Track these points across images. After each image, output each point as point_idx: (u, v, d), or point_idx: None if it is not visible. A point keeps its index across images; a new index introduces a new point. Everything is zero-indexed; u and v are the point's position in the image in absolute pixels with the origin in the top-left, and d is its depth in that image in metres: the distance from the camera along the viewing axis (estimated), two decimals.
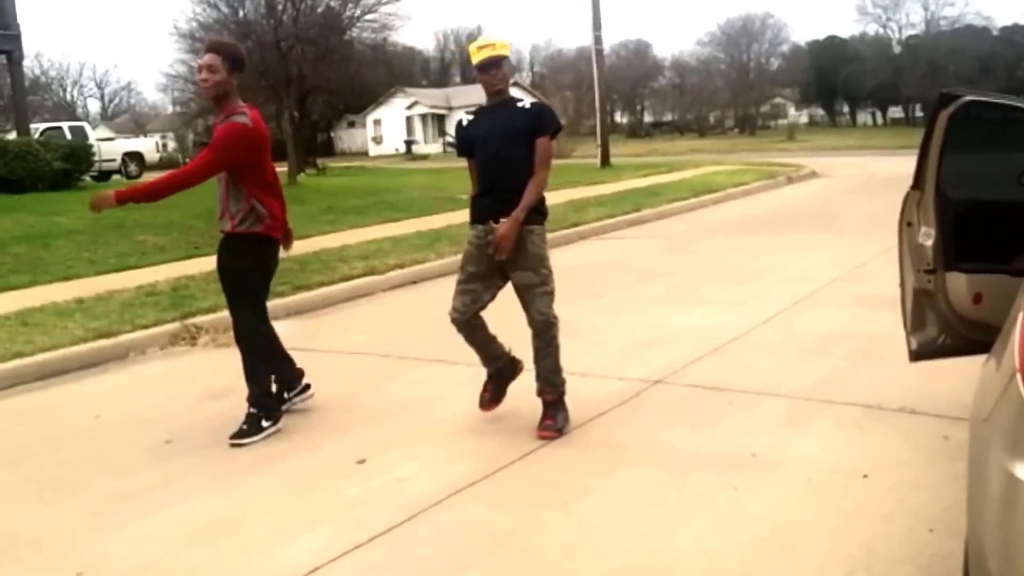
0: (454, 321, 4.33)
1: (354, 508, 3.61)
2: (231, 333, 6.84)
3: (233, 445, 4.43)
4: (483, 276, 4.29)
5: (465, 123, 4.46)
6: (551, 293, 4.28)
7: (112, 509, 3.76)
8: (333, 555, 3.20)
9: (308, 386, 5.01)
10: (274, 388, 4.80)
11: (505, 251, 4.15)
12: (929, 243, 3.79)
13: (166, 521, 3.61)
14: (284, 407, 4.81)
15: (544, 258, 4.28)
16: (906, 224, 3.90)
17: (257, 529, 3.49)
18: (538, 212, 4.30)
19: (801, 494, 3.51)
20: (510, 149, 4.24)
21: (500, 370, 4.52)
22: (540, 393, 4.36)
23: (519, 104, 4.41)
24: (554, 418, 4.30)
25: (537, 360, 4.33)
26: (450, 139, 54.48)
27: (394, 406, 4.93)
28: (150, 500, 3.84)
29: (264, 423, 4.54)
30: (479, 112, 4.44)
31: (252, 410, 4.57)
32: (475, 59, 4.27)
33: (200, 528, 3.53)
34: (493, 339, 4.47)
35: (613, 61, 57.71)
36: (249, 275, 4.63)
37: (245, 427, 4.51)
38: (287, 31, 27.68)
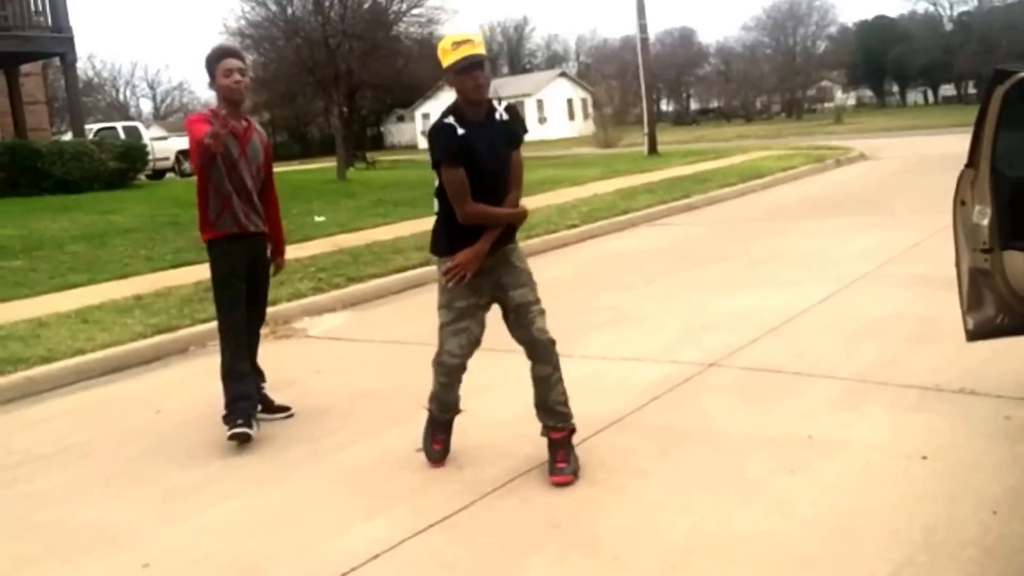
0: (450, 367, 3.77)
1: (413, 496, 3.65)
2: (291, 325, 7.03)
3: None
4: (473, 311, 3.75)
5: (459, 134, 3.63)
6: (545, 312, 3.78)
7: (176, 501, 3.85)
8: (393, 542, 3.25)
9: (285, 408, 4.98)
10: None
11: (464, 277, 3.67)
12: (984, 222, 3.72)
13: (229, 512, 3.69)
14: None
15: (530, 275, 3.81)
16: (960, 203, 3.83)
17: (317, 518, 3.55)
18: (512, 228, 3.82)
19: (859, 477, 3.48)
20: (504, 173, 3.73)
21: (451, 421, 3.99)
22: (550, 429, 3.76)
23: (497, 115, 3.73)
24: (567, 459, 3.70)
25: (544, 391, 3.73)
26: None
27: None
28: (213, 492, 3.92)
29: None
30: (467, 124, 3.65)
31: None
32: (451, 58, 3.53)
33: (262, 518, 3.60)
34: (460, 384, 3.94)
35: (658, 49, 57.23)
36: None
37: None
38: (334, 28, 27.92)
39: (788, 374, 4.77)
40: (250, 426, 4.42)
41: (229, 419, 4.46)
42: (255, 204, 4.61)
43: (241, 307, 4.61)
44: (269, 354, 6.35)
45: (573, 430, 3.77)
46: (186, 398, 5.45)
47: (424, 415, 4.03)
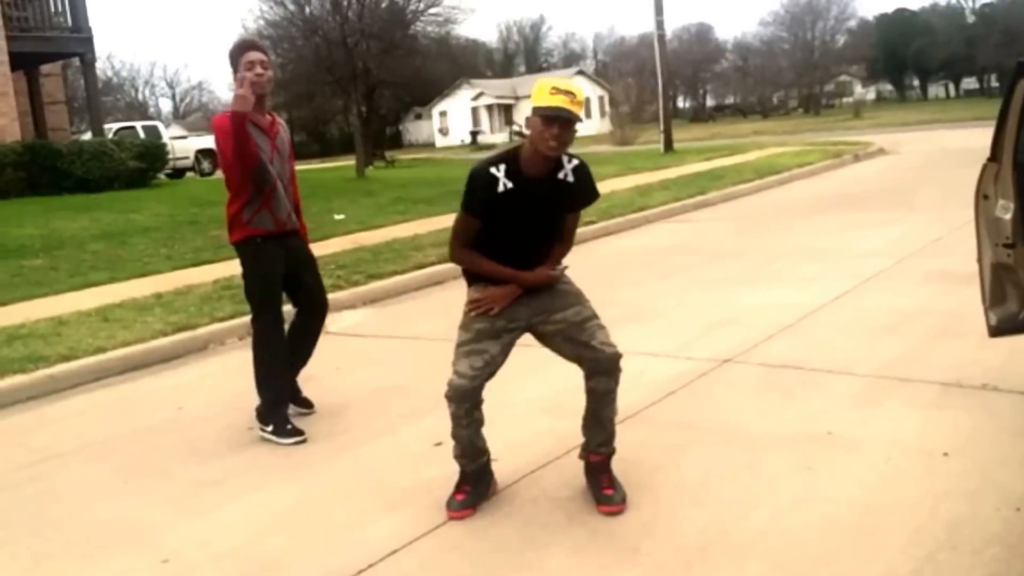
0: (460, 390, 3.35)
1: (432, 490, 3.65)
2: None
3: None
4: (497, 333, 3.45)
5: (501, 189, 3.32)
6: (605, 327, 3.50)
7: (196, 497, 3.88)
8: (412, 536, 3.26)
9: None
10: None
11: (494, 310, 3.44)
12: (1007, 216, 3.68)
13: (249, 507, 3.71)
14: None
15: (579, 293, 3.52)
16: (983, 197, 3.79)
17: (337, 513, 3.56)
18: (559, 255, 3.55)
19: (880, 473, 3.46)
20: (546, 237, 3.47)
21: (483, 468, 3.56)
22: (590, 452, 3.50)
23: (560, 175, 3.38)
24: (613, 485, 3.44)
25: (599, 406, 3.44)
26: (517, 128, 54.52)
27: None
28: (233, 487, 3.94)
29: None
30: (517, 178, 3.33)
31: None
32: (544, 101, 3.19)
33: (282, 514, 3.61)
34: (482, 426, 3.50)
35: (675, 46, 57.11)
36: None
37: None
38: (352, 27, 28.00)
39: (806, 370, 4.75)
40: (295, 432, 4.45)
41: (273, 422, 4.47)
42: (290, 199, 4.56)
43: (279, 309, 4.57)
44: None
45: (613, 453, 3.52)
46: (206, 395, 5.49)
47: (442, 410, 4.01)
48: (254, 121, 4.33)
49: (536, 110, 3.22)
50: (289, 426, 4.47)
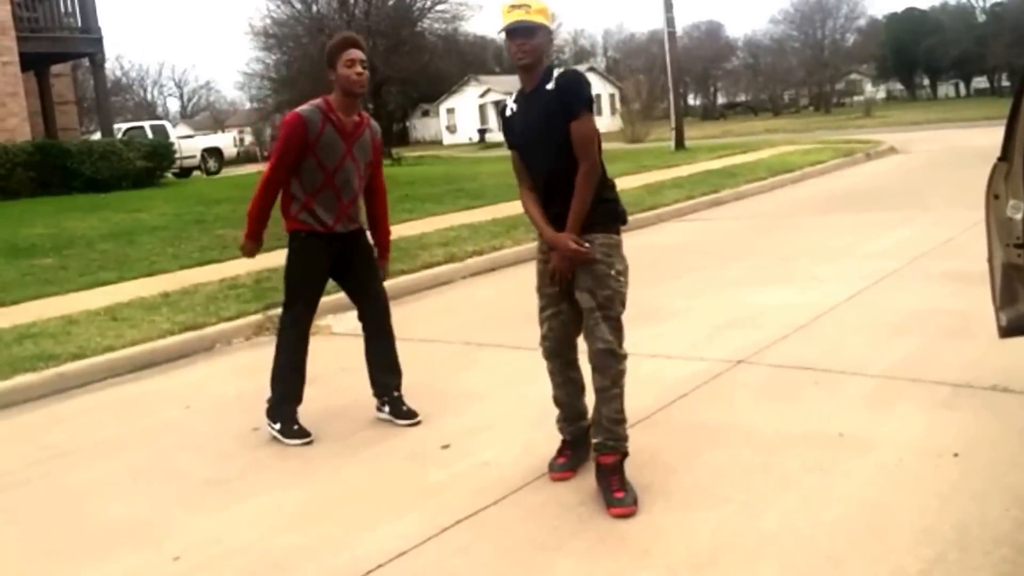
0: (546, 351, 3.62)
1: (440, 493, 3.65)
2: (316, 323, 6.99)
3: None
4: (567, 296, 3.52)
5: (508, 112, 3.63)
6: (616, 319, 3.43)
7: (205, 496, 3.88)
8: (420, 539, 3.25)
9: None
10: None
11: (564, 280, 3.45)
12: (1018, 216, 3.65)
13: (257, 507, 3.71)
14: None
15: (605, 277, 3.41)
16: (993, 197, 3.76)
17: (345, 514, 3.56)
18: (599, 215, 3.44)
19: (891, 474, 3.44)
20: (549, 150, 3.43)
21: (582, 433, 3.71)
22: (598, 451, 3.47)
23: (548, 86, 3.44)
24: (624, 488, 3.37)
25: (598, 406, 3.47)
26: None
27: (477, 392, 4.98)
28: (241, 487, 3.95)
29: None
30: (518, 98, 3.60)
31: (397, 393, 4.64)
32: (503, 20, 3.38)
33: (290, 514, 3.61)
34: (584, 392, 3.69)
35: (685, 43, 56.93)
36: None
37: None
38: (359, 24, 28.07)
39: (818, 371, 4.73)
40: (301, 433, 4.43)
41: (280, 420, 4.47)
42: (356, 203, 4.52)
43: (308, 306, 4.60)
44: None
45: (624, 455, 3.45)
46: (214, 394, 5.50)
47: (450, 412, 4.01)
48: (336, 123, 4.33)
49: (500, 31, 3.42)
50: (296, 426, 4.46)
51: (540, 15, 3.41)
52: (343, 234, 4.49)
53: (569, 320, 3.56)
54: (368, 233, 4.71)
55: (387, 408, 4.66)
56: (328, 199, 4.40)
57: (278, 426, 4.47)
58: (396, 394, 4.68)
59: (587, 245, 3.41)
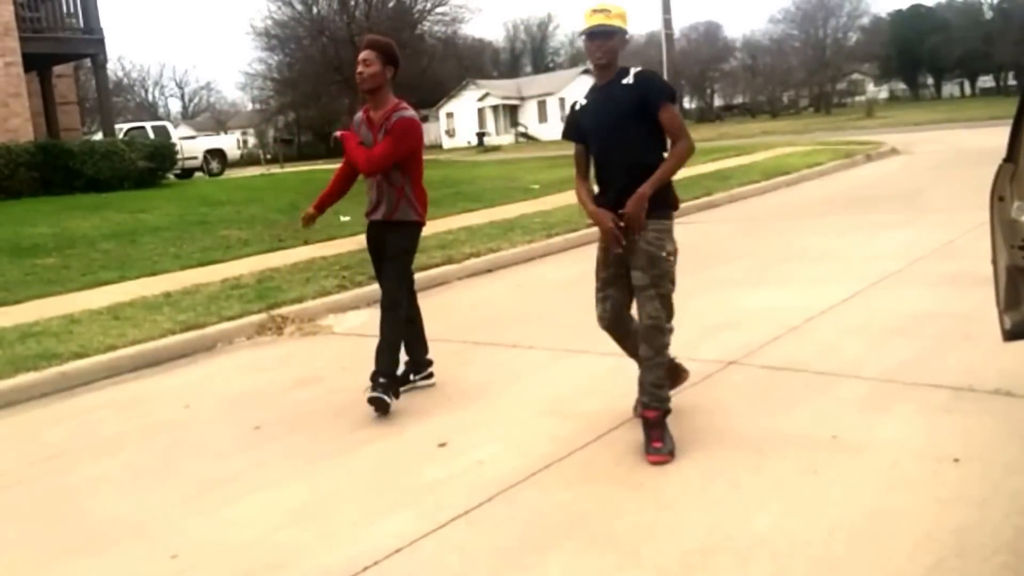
0: (603, 328, 4.11)
1: (436, 490, 3.67)
2: (316, 322, 7.08)
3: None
4: (615, 279, 3.98)
5: (578, 107, 4.10)
6: (665, 296, 3.86)
7: (205, 494, 3.91)
8: (416, 536, 3.27)
9: (432, 374, 5.18)
10: (401, 368, 4.99)
11: (637, 230, 3.78)
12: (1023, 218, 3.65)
13: (256, 505, 3.73)
14: (405, 388, 4.97)
15: (657, 258, 3.83)
16: (998, 199, 3.75)
17: (343, 512, 3.58)
18: (655, 202, 3.81)
19: (887, 478, 3.43)
20: (621, 138, 3.86)
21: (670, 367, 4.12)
22: (642, 409, 3.91)
23: (624, 81, 3.88)
24: (662, 439, 3.80)
25: (642, 371, 3.91)
26: (523, 129, 54.35)
27: (473, 391, 5.00)
28: (241, 485, 3.97)
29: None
30: (590, 93, 4.06)
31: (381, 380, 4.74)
32: (585, 23, 3.84)
33: (289, 511, 3.63)
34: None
35: (683, 44, 56.99)
36: (409, 258, 4.96)
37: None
38: (359, 26, 28.09)
39: (811, 373, 4.72)
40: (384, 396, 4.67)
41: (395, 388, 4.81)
42: (386, 194, 4.83)
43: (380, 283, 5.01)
44: (295, 351, 6.45)
45: (667, 412, 3.87)
46: (214, 394, 5.52)
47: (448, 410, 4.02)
48: (366, 118, 4.85)
49: (581, 33, 3.88)
50: (379, 394, 4.68)
51: (619, 19, 3.85)
52: (372, 223, 4.94)
53: (619, 302, 4.00)
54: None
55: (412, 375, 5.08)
56: (370, 188, 4.91)
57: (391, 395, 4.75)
58: (382, 380, 4.75)
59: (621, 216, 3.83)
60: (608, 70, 3.91)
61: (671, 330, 3.92)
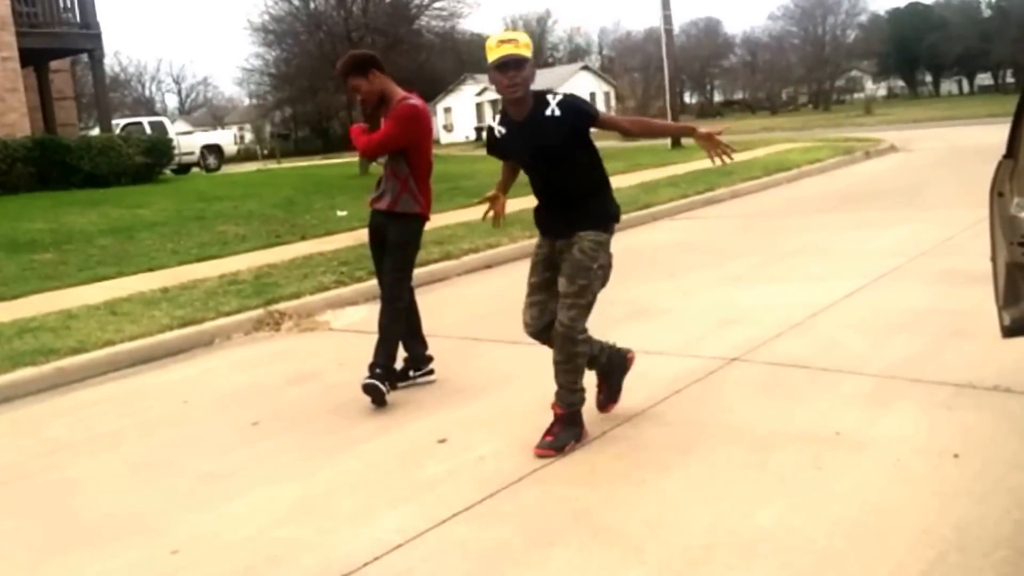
0: (530, 334, 4.08)
1: (436, 486, 3.66)
2: (314, 318, 7.07)
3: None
4: (545, 286, 3.98)
5: (497, 134, 4.02)
6: (585, 307, 3.85)
7: (204, 489, 3.89)
8: (416, 532, 3.26)
9: (432, 370, 5.16)
10: (400, 365, 5.00)
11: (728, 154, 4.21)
12: (1023, 214, 3.65)
13: (255, 500, 3.72)
14: (406, 384, 4.98)
15: (587, 269, 3.82)
16: (997, 195, 3.75)
17: (342, 507, 3.57)
18: (594, 218, 3.90)
19: (889, 474, 3.43)
20: (563, 171, 3.88)
21: (605, 367, 4.17)
22: (553, 405, 3.99)
23: (547, 112, 3.82)
24: (555, 434, 3.89)
25: (555, 372, 3.94)
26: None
27: (473, 387, 4.99)
28: (239, 480, 3.96)
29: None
30: (507, 123, 3.96)
31: (378, 370, 4.76)
32: (492, 56, 3.72)
33: (288, 507, 3.62)
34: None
35: (682, 41, 56.84)
36: (409, 251, 4.95)
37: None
38: (357, 22, 27.99)
39: (814, 369, 4.72)
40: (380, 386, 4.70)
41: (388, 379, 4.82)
42: (391, 183, 4.87)
43: (378, 274, 5.09)
44: (292, 347, 6.43)
45: (575, 412, 3.93)
46: (212, 389, 5.50)
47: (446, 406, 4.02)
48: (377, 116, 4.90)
49: (490, 65, 3.74)
50: (376, 383, 4.71)
51: (526, 49, 3.75)
52: (375, 211, 4.96)
53: (545, 308, 3.97)
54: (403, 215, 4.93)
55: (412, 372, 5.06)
56: (381, 179, 4.96)
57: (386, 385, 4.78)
58: (378, 371, 4.76)
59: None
60: (524, 102, 3.83)
61: (586, 340, 3.91)
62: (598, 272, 3.87)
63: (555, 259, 3.96)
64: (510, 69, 3.71)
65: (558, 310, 3.86)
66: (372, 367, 4.73)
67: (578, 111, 3.85)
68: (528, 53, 3.76)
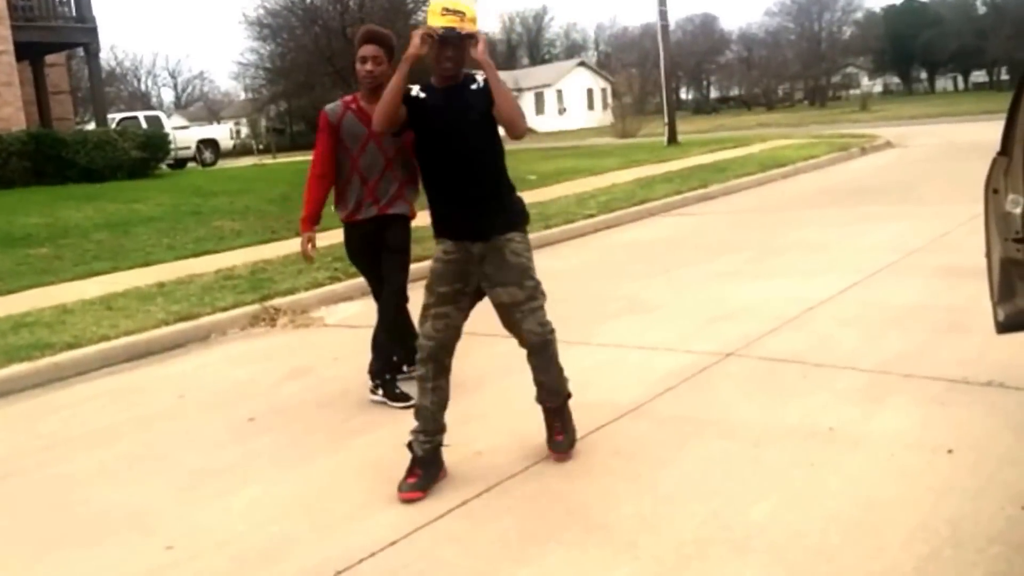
0: (424, 351, 3.62)
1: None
2: (309, 314, 7.06)
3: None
4: (456, 297, 3.62)
5: (415, 95, 3.56)
6: (542, 306, 3.63)
7: (199, 485, 3.89)
8: (412, 528, 3.27)
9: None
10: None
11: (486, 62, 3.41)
12: (1018, 211, 3.65)
13: (249, 496, 3.72)
14: (401, 377, 4.92)
15: (528, 269, 3.59)
16: (992, 191, 3.76)
17: (337, 503, 3.57)
18: (516, 215, 3.66)
19: (882, 470, 3.44)
20: (476, 142, 3.53)
21: (436, 450, 3.68)
22: (541, 400, 3.79)
23: (473, 86, 3.54)
24: (564, 431, 3.77)
25: (537, 376, 3.74)
26: None
27: (470, 381, 4.97)
28: (234, 476, 3.96)
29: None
30: (428, 89, 3.57)
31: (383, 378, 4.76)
32: (433, 21, 3.40)
33: (283, 502, 3.63)
34: (446, 404, 3.73)
35: (679, 37, 56.94)
36: (410, 253, 4.88)
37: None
38: (353, 16, 27.98)
39: (808, 365, 4.73)
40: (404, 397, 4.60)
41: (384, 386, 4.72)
42: (384, 186, 4.63)
43: (374, 285, 4.86)
44: (288, 343, 6.43)
45: (568, 396, 3.82)
46: (208, 384, 5.50)
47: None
48: (356, 109, 4.55)
49: (428, 29, 3.40)
50: (398, 390, 4.67)
51: (471, 24, 3.44)
52: (363, 221, 4.66)
53: (452, 323, 3.65)
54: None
55: (380, 391, 4.73)
56: (355, 187, 4.63)
57: (382, 392, 4.69)
58: (388, 377, 4.74)
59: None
60: (455, 79, 3.54)
61: (552, 331, 3.68)
62: (534, 271, 3.63)
63: (469, 269, 3.62)
64: (449, 45, 3.41)
65: (520, 321, 3.58)
66: (385, 371, 4.75)
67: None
68: (474, 28, 3.46)
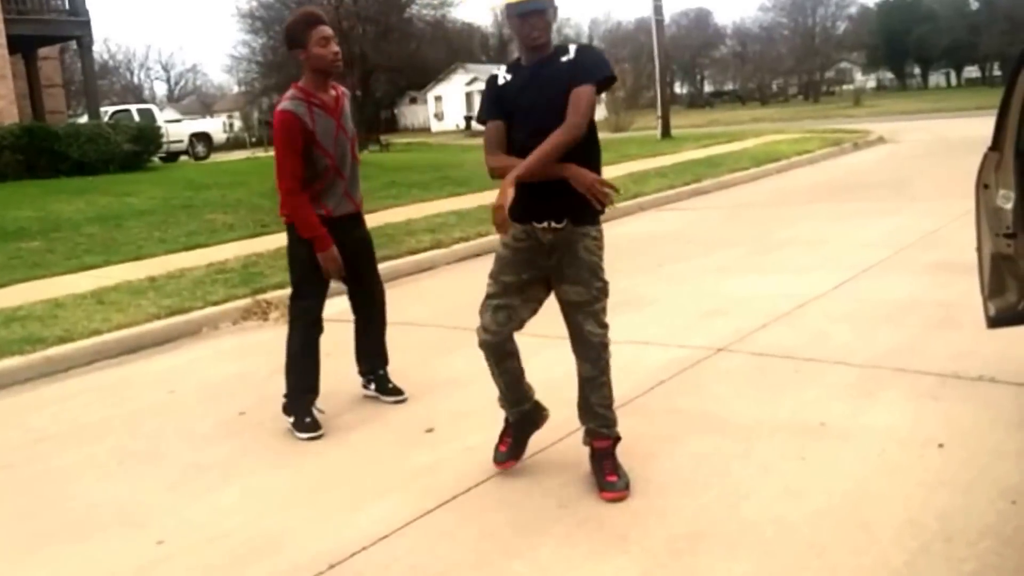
0: (484, 344, 3.41)
1: (423, 476, 3.67)
2: None
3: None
4: (522, 288, 3.40)
5: (501, 81, 3.40)
6: (604, 307, 3.42)
7: (190, 479, 3.89)
8: (404, 522, 3.27)
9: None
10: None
11: (502, 224, 3.12)
12: (1008, 206, 3.66)
13: (241, 491, 3.72)
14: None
15: (599, 268, 3.38)
16: (983, 187, 3.77)
17: (329, 498, 3.57)
18: (592, 208, 3.30)
19: (873, 464, 3.45)
20: (557, 122, 3.21)
21: (524, 416, 3.62)
22: (591, 437, 3.48)
23: (563, 58, 3.31)
24: (616, 472, 3.40)
25: (586, 392, 3.46)
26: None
27: (461, 377, 4.97)
28: (226, 471, 3.95)
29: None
30: (515, 69, 3.40)
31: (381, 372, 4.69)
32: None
33: (274, 497, 3.62)
34: (523, 374, 3.55)
35: (673, 31, 56.88)
36: None
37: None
38: (348, 11, 27.88)
39: (800, 360, 4.74)
40: (312, 427, 4.27)
41: (292, 412, 4.33)
42: (352, 179, 4.37)
43: (319, 295, 4.40)
44: (280, 337, 6.33)
45: (618, 439, 3.49)
46: (199, 379, 5.49)
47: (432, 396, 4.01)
48: (320, 103, 4.17)
49: (509, 8, 3.27)
50: (308, 419, 4.30)
51: None
52: (340, 217, 4.32)
53: (514, 315, 3.41)
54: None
55: (373, 386, 4.71)
56: (334, 184, 4.29)
57: (292, 419, 4.34)
58: (382, 372, 4.71)
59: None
60: (545, 48, 3.32)
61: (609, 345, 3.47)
62: (603, 272, 3.42)
63: (539, 259, 3.39)
64: (531, 15, 3.23)
65: (581, 322, 3.37)
66: (381, 367, 4.71)
67: (585, 61, 3.29)
68: None
